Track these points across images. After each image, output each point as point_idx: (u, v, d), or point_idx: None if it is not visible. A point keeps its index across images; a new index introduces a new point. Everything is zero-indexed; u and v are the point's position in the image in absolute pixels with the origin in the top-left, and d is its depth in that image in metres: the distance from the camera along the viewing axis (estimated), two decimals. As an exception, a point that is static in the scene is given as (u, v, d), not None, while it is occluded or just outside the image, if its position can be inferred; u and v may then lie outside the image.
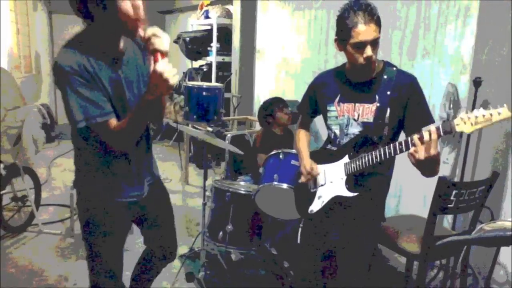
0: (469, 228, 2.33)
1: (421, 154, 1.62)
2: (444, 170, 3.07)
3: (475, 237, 1.24)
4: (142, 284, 2.31)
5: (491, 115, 1.50)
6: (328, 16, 4.21)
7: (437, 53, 3.16)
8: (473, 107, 2.68)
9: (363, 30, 1.80)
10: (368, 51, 1.82)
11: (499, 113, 1.49)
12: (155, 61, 1.54)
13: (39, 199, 3.98)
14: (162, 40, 1.56)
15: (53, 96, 7.74)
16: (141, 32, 1.58)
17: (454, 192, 2.06)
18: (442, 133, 1.61)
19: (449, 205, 2.08)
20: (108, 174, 1.80)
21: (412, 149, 1.66)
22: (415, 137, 1.65)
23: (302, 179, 2.14)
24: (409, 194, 3.41)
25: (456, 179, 2.93)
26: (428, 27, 3.20)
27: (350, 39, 1.83)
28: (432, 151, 1.61)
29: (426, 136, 1.62)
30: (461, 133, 2.88)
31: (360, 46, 1.83)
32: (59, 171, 5.55)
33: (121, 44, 1.71)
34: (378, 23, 1.84)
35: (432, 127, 1.63)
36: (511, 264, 2.73)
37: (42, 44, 7.36)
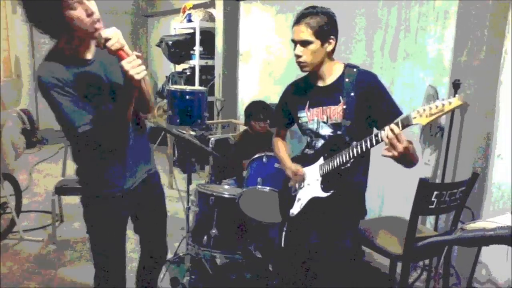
0: (451, 228, 2.36)
1: (392, 151, 1.68)
2: (426, 171, 3.11)
3: (455, 237, 1.25)
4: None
5: (443, 105, 1.58)
6: (311, 19, 4.23)
7: (417, 56, 3.20)
8: (453, 110, 2.71)
9: (293, 30, 2.01)
10: (297, 50, 2.00)
11: (450, 103, 1.57)
12: (121, 59, 1.62)
13: (20, 205, 3.90)
14: (114, 39, 1.61)
15: (34, 101, 7.60)
16: (97, 35, 1.63)
17: (435, 193, 2.09)
18: (401, 127, 1.67)
19: (430, 206, 2.11)
20: (98, 166, 1.90)
21: (384, 149, 1.72)
22: (381, 133, 1.72)
23: (292, 182, 2.20)
24: (391, 195, 3.44)
25: (438, 180, 2.97)
26: (409, 29, 3.24)
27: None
28: (400, 145, 1.66)
29: (389, 134, 1.68)
30: (442, 134, 2.93)
31: (294, 44, 2.02)
32: (41, 177, 5.46)
33: (91, 50, 1.79)
34: (310, 25, 1.95)
35: (392, 124, 1.69)
36: (492, 263, 2.77)
37: (22, 47, 7.23)
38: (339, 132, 2.01)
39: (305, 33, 1.95)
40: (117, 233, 2.05)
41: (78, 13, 1.61)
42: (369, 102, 1.98)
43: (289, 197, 2.23)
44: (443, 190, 2.12)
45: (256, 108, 3.65)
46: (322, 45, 1.98)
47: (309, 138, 2.17)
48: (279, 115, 2.36)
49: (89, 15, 1.63)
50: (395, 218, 2.77)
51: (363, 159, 2.06)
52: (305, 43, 1.97)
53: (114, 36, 1.61)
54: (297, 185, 2.19)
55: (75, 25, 1.63)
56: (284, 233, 2.41)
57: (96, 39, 1.65)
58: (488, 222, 1.44)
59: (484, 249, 2.50)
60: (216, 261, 3.25)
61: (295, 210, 2.16)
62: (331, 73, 2.06)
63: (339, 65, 2.08)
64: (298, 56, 2.00)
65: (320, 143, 2.10)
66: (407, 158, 1.72)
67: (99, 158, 1.87)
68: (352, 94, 1.98)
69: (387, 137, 1.68)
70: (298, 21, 1.98)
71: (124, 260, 2.12)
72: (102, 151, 1.84)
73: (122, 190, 1.94)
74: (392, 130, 1.67)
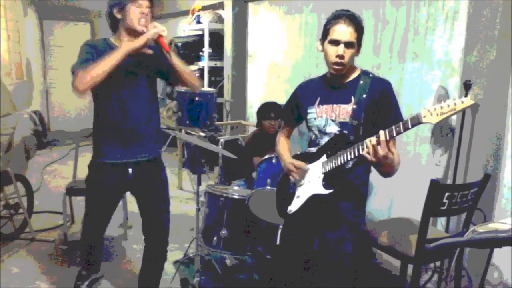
0: (462, 230, 2.34)
1: (372, 156, 1.74)
2: (437, 172, 3.09)
3: (467, 239, 1.24)
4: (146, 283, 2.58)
5: (455, 104, 1.58)
6: (319, 19, 4.23)
7: (426, 56, 3.18)
8: (464, 110, 2.69)
9: (339, 29, 1.97)
10: (340, 49, 1.97)
11: (462, 102, 1.57)
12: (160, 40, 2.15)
13: (32, 206, 3.95)
14: (158, 28, 2.13)
15: (45, 102, 7.68)
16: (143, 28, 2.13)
17: (446, 195, 2.07)
18: (410, 126, 1.68)
19: (441, 208, 2.10)
20: (97, 135, 2.29)
21: (365, 151, 1.77)
22: (373, 139, 1.76)
23: (294, 175, 2.15)
24: (402, 197, 3.42)
25: (449, 182, 2.95)
26: (417, 30, 3.22)
27: (328, 36, 2.00)
28: (381, 152, 1.72)
29: (373, 140, 1.74)
30: (453, 135, 2.91)
31: (334, 44, 1.98)
32: (52, 177, 5.50)
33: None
34: (357, 30, 1.98)
35: (381, 131, 1.73)
36: (504, 266, 2.75)
37: (33, 50, 7.31)
38: (345, 131, 2.02)
39: (353, 35, 1.97)
40: (104, 199, 2.34)
41: (134, 13, 2.10)
42: (377, 108, 1.99)
43: (287, 194, 2.22)
44: (455, 191, 2.10)
45: (267, 108, 3.71)
46: (357, 49, 2.02)
47: (313, 136, 2.16)
48: (288, 111, 2.38)
49: (143, 16, 2.11)
50: (406, 219, 2.75)
51: (365, 160, 2.06)
52: (350, 45, 1.97)
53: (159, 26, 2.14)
54: (296, 182, 2.17)
55: (128, 22, 2.12)
56: (280, 231, 2.40)
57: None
58: (501, 223, 1.43)
59: (496, 251, 2.47)
60: (225, 262, 3.26)
61: (293, 207, 2.14)
62: (348, 76, 2.09)
63: (356, 70, 2.11)
64: (341, 57, 1.97)
65: (324, 140, 2.10)
66: (385, 167, 1.81)
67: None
68: (364, 96, 2.00)
69: (371, 141, 1.74)
70: (343, 21, 1.97)
71: (105, 224, 2.43)
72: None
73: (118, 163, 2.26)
74: (378, 137, 1.72)
